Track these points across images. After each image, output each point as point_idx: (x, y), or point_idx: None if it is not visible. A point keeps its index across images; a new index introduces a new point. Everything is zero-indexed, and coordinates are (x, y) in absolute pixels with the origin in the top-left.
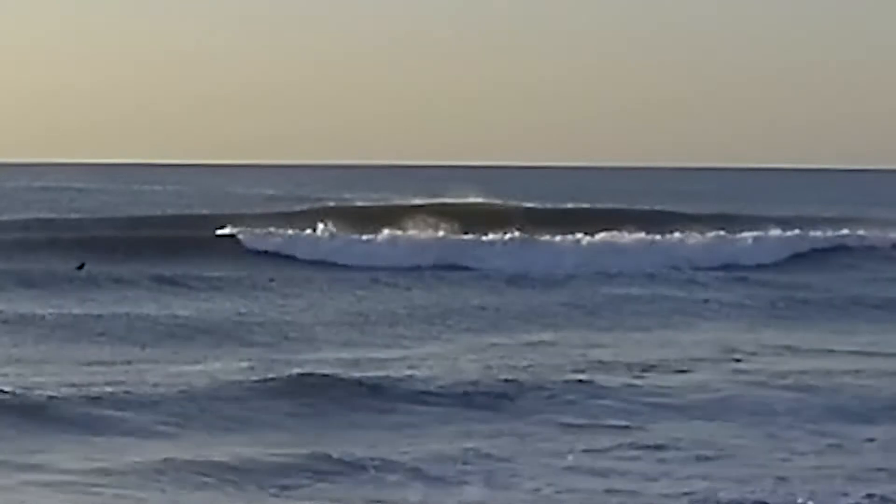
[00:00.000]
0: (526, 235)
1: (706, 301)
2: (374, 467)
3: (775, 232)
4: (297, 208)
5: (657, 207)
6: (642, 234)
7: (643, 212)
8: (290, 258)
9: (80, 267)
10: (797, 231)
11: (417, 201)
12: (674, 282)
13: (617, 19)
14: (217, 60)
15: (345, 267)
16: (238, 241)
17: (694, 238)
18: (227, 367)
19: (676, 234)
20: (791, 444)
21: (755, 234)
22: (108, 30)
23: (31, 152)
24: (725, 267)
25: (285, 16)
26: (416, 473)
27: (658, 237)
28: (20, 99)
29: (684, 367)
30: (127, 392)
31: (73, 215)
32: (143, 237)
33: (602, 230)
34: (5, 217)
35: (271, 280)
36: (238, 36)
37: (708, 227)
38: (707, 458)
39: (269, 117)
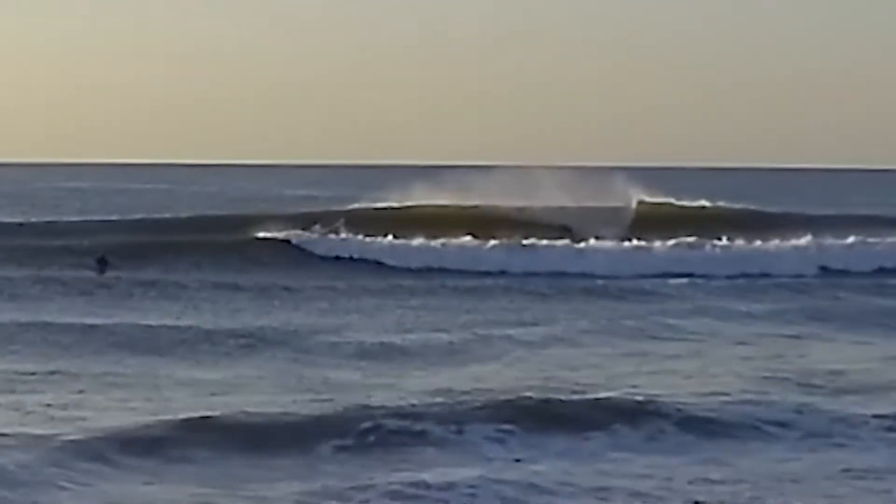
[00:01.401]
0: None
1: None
2: None
3: None
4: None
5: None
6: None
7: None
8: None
9: (101, 261)
10: None
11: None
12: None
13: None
14: (250, 60)
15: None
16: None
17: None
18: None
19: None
20: None
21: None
22: (139, 28)
23: (62, 153)
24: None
25: (318, 16)
26: None
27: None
28: (50, 99)
29: None
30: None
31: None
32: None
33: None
34: (43, 218)
35: None
36: (269, 36)
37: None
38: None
39: (305, 116)
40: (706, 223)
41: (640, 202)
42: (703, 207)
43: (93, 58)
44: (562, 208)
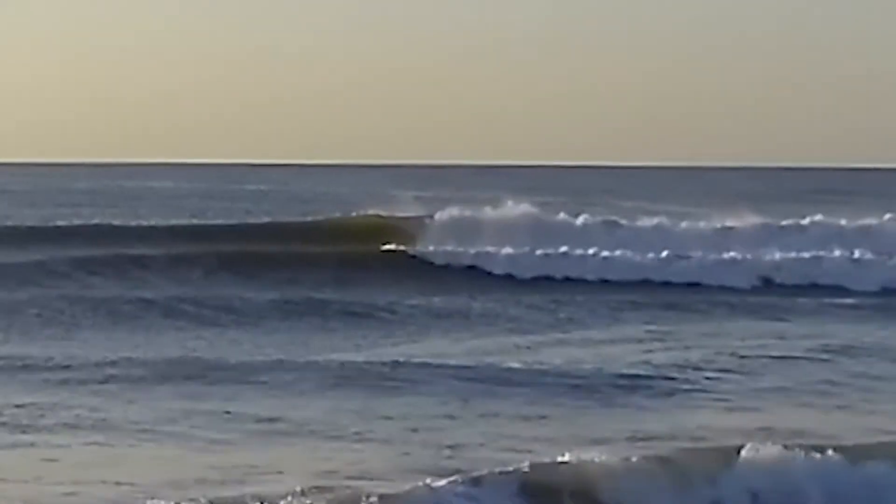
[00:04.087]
0: None
1: None
2: None
3: None
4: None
5: None
6: None
7: None
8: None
9: None
10: None
11: None
12: None
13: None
14: (325, 59)
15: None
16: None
17: None
18: None
19: None
20: None
21: None
22: (217, 29)
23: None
24: None
25: (392, 14)
26: None
27: None
28: (140, 100)
29: None
30: None
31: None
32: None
33: None
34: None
35: None
36: (344, 36)
37: None
38: None
39: (391, 114)
40: None
41: None
42: None
43: (188, 56)
44: None
